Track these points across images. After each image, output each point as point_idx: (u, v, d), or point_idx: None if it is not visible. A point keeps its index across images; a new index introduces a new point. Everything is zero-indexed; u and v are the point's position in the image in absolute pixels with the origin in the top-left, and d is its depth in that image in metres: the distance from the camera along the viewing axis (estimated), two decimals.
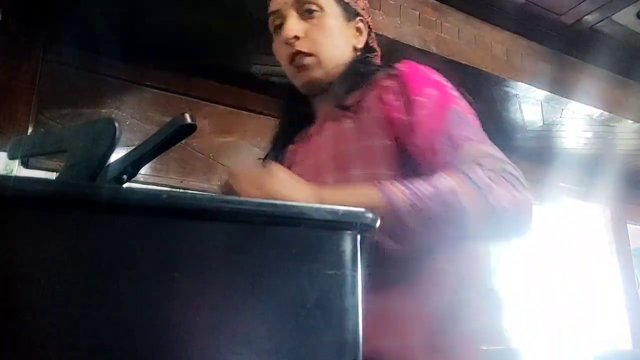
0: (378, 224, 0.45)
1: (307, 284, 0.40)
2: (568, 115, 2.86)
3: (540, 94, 2.63)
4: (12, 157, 0.56)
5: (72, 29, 2.00)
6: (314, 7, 0.88)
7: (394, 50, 2.13)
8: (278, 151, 0.96)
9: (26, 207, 0.35)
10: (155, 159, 0.51)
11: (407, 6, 2.26)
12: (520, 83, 2.52)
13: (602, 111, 2.78)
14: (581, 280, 3.62)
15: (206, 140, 2.32)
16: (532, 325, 3.23)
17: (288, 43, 0.87)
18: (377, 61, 0.96)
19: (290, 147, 0.94)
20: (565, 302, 3.47)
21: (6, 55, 1.92)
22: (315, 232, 0.42)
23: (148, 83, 2.25)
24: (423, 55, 2.19)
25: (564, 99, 2.66)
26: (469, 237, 0.72)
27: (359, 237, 0.44)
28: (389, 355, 0.70)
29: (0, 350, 0.32)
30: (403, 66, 0.84)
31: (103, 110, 2.13)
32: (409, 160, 0.77)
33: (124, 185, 0.49)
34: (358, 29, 0.94)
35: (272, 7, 0.91)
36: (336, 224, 0.43)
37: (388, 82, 0.83)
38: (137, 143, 0.49)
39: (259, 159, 1.00)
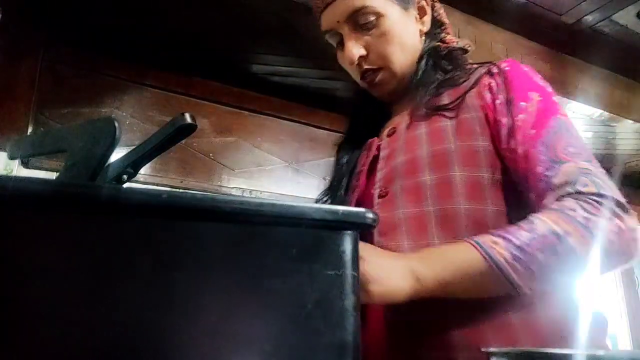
0: (377, 223, 0.45)
1: (307, 284, 0.40)
2: (568, 115, 2.85)
3: None
4: (12, 157, 0.56)
5: (72, 29, 2.00)
6: (370, 18, 0.80)
7: None
8: (354, 145, 0.91)
9: (26, 207, 0.35)
10: (155, 159, 0.51)
11: None
12: None
13: (602, 111, 2.78)
14: (581, 280, 3.61)
15: (206, 140, 2.32)
16: None
17: (354, 64, 0.82)
18: (449, 36, 0.89)
19: (376, 140, 0.86)
20: None
21: (6, 55, 1.91)
22: (315, 232, 0.42)
23: (148, 83, 2.24)
24: None
25: (564, 99, 2.66)
26: (578, 274, 0.68)
27: (359, 237, 0.44)
28: None
29: (0, 350, 0.32)
30: (506, 65, 0.78)
31: (103, 110, 2.13)
32: (505, 164, 0.73)
33: (124, 185, 0.49)
34: (420, 9, 0.87)
35: (325, 26, 0.84)
36: (336, 224, 0.43)
37: (489, 80, 0.77)
38: (137, 143, 0.49)
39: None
